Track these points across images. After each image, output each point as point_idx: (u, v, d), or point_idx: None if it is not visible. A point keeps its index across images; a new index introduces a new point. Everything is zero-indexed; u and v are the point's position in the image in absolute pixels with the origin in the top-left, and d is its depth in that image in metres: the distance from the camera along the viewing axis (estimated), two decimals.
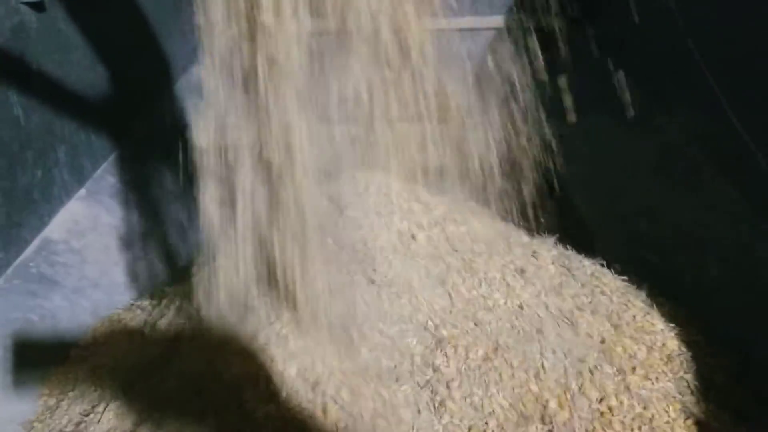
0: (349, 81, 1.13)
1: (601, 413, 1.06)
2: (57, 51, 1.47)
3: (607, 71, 1.94)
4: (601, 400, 1.08)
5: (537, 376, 1.11)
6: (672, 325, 1.23)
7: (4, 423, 1.16)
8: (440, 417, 1.06)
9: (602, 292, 1.30)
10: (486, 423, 1.04)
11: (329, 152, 1.24)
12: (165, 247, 1.62)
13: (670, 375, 1.14)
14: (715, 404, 1.09)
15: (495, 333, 1.18)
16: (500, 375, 1.11)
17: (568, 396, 1.09)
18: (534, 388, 1.09)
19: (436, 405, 1.07)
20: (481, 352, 1.14)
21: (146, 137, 1.80)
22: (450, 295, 1.24)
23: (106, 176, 1.64)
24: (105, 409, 1.13)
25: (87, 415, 1.13)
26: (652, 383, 1.11)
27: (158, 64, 1.93)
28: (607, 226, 1.58)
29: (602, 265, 1.39)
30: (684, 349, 1.18)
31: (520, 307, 1.23)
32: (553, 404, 1.07)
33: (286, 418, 1.04)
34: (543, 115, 2.16)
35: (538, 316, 1.22)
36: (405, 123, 1.29)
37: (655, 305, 1.28)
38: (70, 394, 1.21)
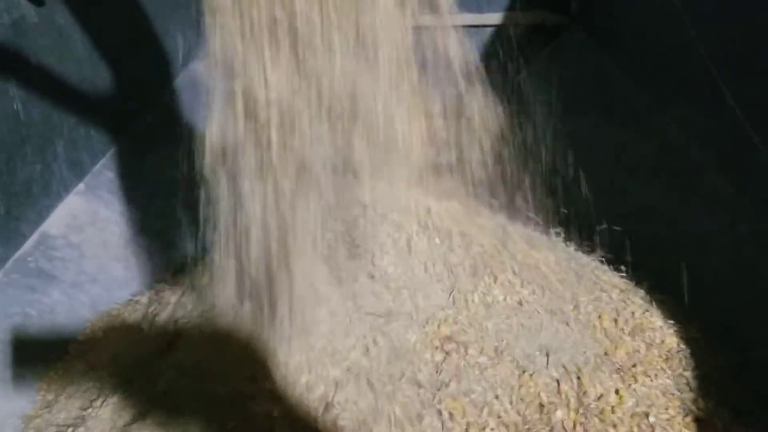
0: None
1: (600, 411, 1.06)
2: (56, 46, 1.46)
3: (606, 68, 1.94)
4: (599, 398, 1.08)
5: (535, 373, 1.11)
6: (671, 322, 1.23)
7: (3, 417, 1.16)
8: (439, 415, 1.05)
9: (601, 290, 1.30)
10: (486, 421, 1.04)
11: (330, 150, 1.24)
12: (164, 242, 1.61)
13: (669, 372, 1.14)
14: (714, 402, 1.09)
15: (494, 330, 1.18)
16: (499, 372, 1.11)
17: (567, 393, 1.09)
18: (532, 385, 1.09)
19: (435, 403, 1.07)
20: (480, 350, 1.14)
21: (146, 132, 1.80)
22: (450, 292, 1.24)
23: (105, 171, 1.63)
24: (103, 404, 1.13)
25: (85, 410, 1.13)
26: (651, 380, 1.12)
27: (158, 59, 1.93)
28: (606, 224, 1.59)
29: (602, 263, 1.39)
30: (683, 347, 1.18)
31: (520, 303, 1.23)
32: (551, 402, 1.08)
33: (285, 416, 1.04)
34: (542, 114, 2.16)
35: (538, 313, 1.22)
36: (404, 120, 1.29)
37: (654, 303, 1.28)
38: (69, 389, 1.21)
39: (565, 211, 1.75)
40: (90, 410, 1.13)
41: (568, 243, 1.46)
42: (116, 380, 1.19)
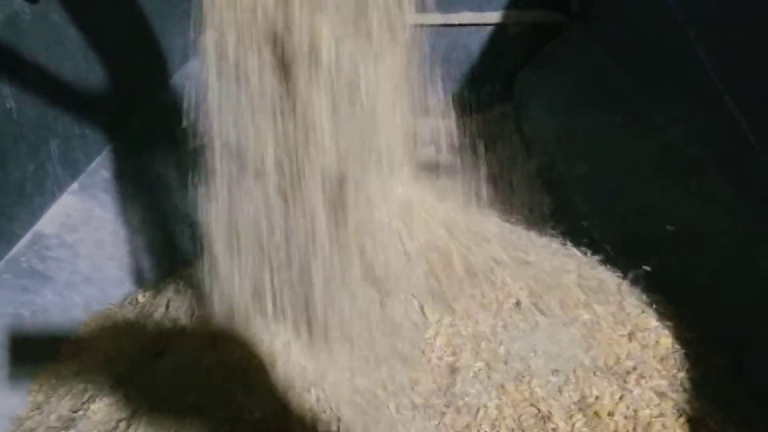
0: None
1: (595, 412, 1.06)
2: (51, 43, 1.45)
3: (606, 68, 1.93)
4: (595, 399, 1.08)
5: (531, 374, 1.11)
6: (667, 323, 1.23)
7: None
8: (433, 418, 1.05)
9: (598, 290, 1.29)
10: (479, 424, 1.04)
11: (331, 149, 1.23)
12: (159, 242, 1.61)
13: (664, 373, 1.13)
14: (709, 403, 1.08)
15: (490, 332, 1.17)
16: (493, 374, 1.11)
17: (562, 395, 1.08)
18: (527, 386, 1.09)
19: (429, 405, 1.06)
20: (475, 353, 1.14)
21: (141, 131, 1.79)
22: (447, 294, 1.23)
23: (99, 170, 1.62)
24: (95, 405, 1.12)
25: (76, 411, 1.12)
26: (646, 381, 1.11)
27: (154, 57, 1.92)
28: (604, 224, 1.58)
29: (598, 262, 1.38)
30: (678, 347, 1.18)
31: (516, 304, 1.23)
32: (546, 403, 1.07)
33: (280, 421, 1.03)
34: (542, 113, 2.16)
35: (533, 314, 1.21)
36: (402, 120, 1.28)
37: (650, 303, 1.28)
38: (61, 389, 1.20)
39: (563, 210, 1.75)
40: (82, 411, 1.13)
41: (565, 242, 1.45)
42: (109, 381, 1.18)
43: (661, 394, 1.09)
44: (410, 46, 1.22)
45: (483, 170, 1.46)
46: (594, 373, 1.11)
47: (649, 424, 1.04)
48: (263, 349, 1.14)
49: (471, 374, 1.10)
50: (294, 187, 1.12)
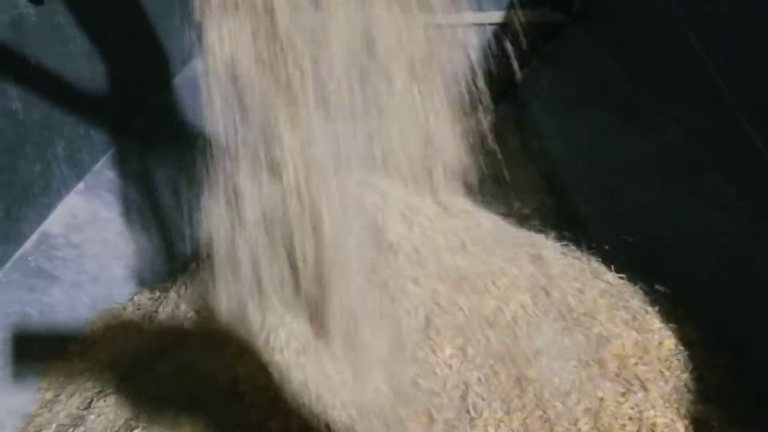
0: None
1: (600, 414, 1.07)
2: (56, 45, 1.46)
3: (607, 68, 1.93)
4: (599, 401, 1.08)
5: (534, 376, 1.11)
6: (669, 324, 1.23)
7: (4, 416, 1.16)
8: (438, 420, 1.06)
9: (600, 290, 1.30)
10: (485, 426, 1.05)
11: (333, 150, 1.23)
12: (164, 242, 1.62)
13: (667, 374, 1.14)
14: (712, 404, 1.09)
15: (494, 334, 1.18)
16: (499, 376, 1.11)
17: (567, 396, 1.09)
18: (530, 388, 1.09)
19: (434, 405, 1.07)
20: (479, 354, 1.14)
21: (145, 132, 1.79)
22: (450, 295, 1.24)
23: (104, 171, 1.63)
24: (103, 402, 1.13)
25: (85, 409, 1.13)
26: (650, 383, 1.12)
27: (158, 58, 1.93)
28: (604, 223, 1.58)
29: (600, 263, 1.39)
30: (681, 348, 1.18)
31: (521, 306, 1.23)
32: (551, 405, 1.07)
33: (283, 418, 1.04)
34: (543, 112, 2.16)
35: (536, 315, 1.21)
36: (406, 120, 1.29)
37: (652, 304, 1.28)
38: (68, 387, 1.21)
39: (563, 209, 1.76)
40: (90, 409, 1.13)
41: (566, 243, 1.46)
42: (116, 379, 1.19)
43: (665, 395, 1.10)
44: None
45: (483, 170, 1.47)
46: (598, 375, 1.12)
47: (654, 425, 1.05)
48: (267, 349, 1.14)
49: (476, 377, 1.11)
50: (299, 185, 1.13)
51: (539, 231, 1.49)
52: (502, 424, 1.05)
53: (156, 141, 1.76)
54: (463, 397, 1.08)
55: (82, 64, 1.56)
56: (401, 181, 1.37)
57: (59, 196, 1.47)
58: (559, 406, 1.07)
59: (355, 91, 1.12)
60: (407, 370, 1.12)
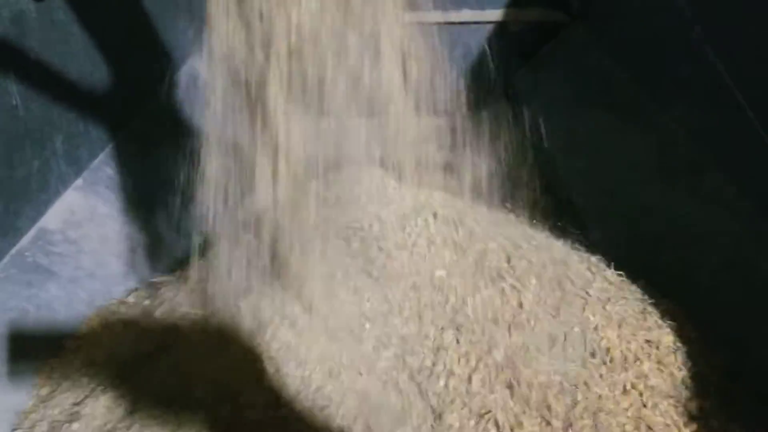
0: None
1: (598, 413, 1.06)
2: (56, 41, 1.46)
3: (607, 67, 1.93)
4: (597, 399, 1.08)
5: (531, 374, 1.11)
6: (667, 322, 1.23)
7: (0, 412, 1.16)
8: (438, 421, 1.05)
9: (599, 288, 1.30)
10: (485, 424, 1.04)
11: (327, 145, 1.24)
12: (162, 238, 1.61)
13: (666, 373, 1.13)
14: (710, 402, 1.09)
15: (489, 330, 1.17)
16: (495, 372, 1.11)
17: (563, 394, 1.09)
18: (527, 387, 1.09)
19: (435, 410, 1.06)
20: (476, 350, 1.13)
21: (144, 128, 1.79)
22: (446, 294, 1.23)
23: (103, 167, 1.63)
24: (98, 399, 1.13)
25: (80, 405, 1.13)
26: (648, 380, 1.11)
27: (158, 54, 1.93)
28: (604, 223, 1.58)
29: (599, 261, 1.38)
30: (679, 346, 1.18)
31: (519, 305, 1.23)
32: (546, 402, 1.07)
33: (281, 420, 1.03)
34: (542, 111, 2.16)
35: (534, 313, 1.21)
36: (403, 116, 1.28)
37: (651, 302, 1.28)
38: (65, 384, 1.21)
39: (563, 209, 1.75)
40: (85, 406, 1.13)
41: (565, 241, 1.45)
42: (112, 376, 1.19)
43: (664, 394, 1.09)
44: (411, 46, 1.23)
45: (482, 169, 1.46)
46: (596, 373, 1.12)
47: (652, 424, 1.05)
48: (264, 347, 1.14)
49: (476, 369, 1.10)
50: (295, 183, 1.13)
51: (537, 228, 1.49)
52: (498, 422, 1.04)
53: (155, 138, 1.76)
54: (461, 398, 1.08)
55: (81, 60, 1.56)
56: (398, 178, 1.37)
57: (57, 192, 1.47)
58: (557, 404, 1.07)
59: (349, 88, 1.12)
60: (401, 360, 1.11)
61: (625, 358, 1.15)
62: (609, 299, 1.27)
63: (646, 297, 1.29)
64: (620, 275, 1.34)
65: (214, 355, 1.15)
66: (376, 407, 1.05)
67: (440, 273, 1.24)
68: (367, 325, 1.17)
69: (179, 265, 1.52)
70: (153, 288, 1.46)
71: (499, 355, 1.13)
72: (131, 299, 1.46)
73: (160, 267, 1.58)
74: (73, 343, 1.33)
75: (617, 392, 1.09)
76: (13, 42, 1.33)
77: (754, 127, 1.23)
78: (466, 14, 2.31)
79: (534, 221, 1.57)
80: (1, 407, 1.16)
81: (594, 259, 1.39)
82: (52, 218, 1.43)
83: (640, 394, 1.09)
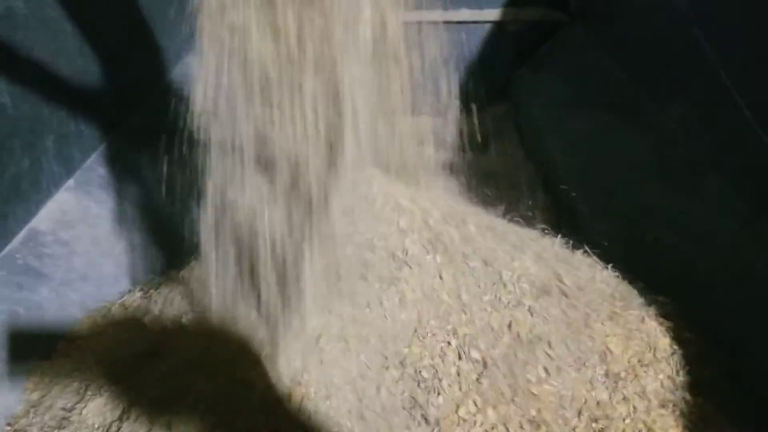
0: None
1: (595, 414, 1.05)
2: (46, 38, 1.44)
3: (605, 66, 1.93)
4: (595, 402, 1.07)
5: (528, 376, 1.10)
6: (666, 323, 1.22)
7: None
8: (437, 426, 1.04)
9: (596, 290, 1.29)
10: (479, 428, 1.03)
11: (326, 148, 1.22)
12: (155, 239, 1.60)
13: (664, 374, 1.13)
14: (708, 403, 1.08)
15: (488, 334, 1.16)
16: (492, 377, 1.09)
17: (560, 396, 1.08)
18: (524, 388, 1.08)
19: (433, 409, 1.05)
20: (476, 354, 1.13)
21: (137, 128, 1.78)
22: (446, 297, 1.22)
23: (95, 167, 1.61)
24: (89, 403, 1.11)
25: (71, 410, 1.12)
26: (646, 382, 1.11)
27: (151, 53, 1.91)
28: (602, 222, 1.58)
29: (598, 261, 1.38)
30: (677, 348, 1.18)
31: (518, 304, 1.22)
32: (545, 405, 1.06)
33: (277, 420, 1.02)
34: (541, 111, 2.15)
35: (531, 313, 1.20)
36: (398, 118, 1.28)
37: (649, 303, 1.27)
38: (55, 388, 1.20)
39: (561, 208, 1.75)
40: (76, 410, 1.12)
41: (564, 241, 1.45)
42: (104, 379, 1.17)
43: (661, 396, 1.09)
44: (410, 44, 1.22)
45: (481, 169, 1.46)
46: (594, 376, 1.11)
47: (651, 426, 1.04)
48: (259, 348, 1.13)
49: (474, 375, 1.09)
50: (292, 181, 1.11)
51: (535, 228, 1.48)
52: (495, 424, 1.03)
53: (147, 137, 1.73)
54: (454, 396, 1.07)
55: (72, 58, 1.54)
56: (397, 179, 1.36)
57: (48, 192, 1.45)
58: (555, 406, 1.06)
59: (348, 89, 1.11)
60: (410, 368, 1.10)
61: (623, 360, 1.14)
62: (607, 300, 1.26)
63: (644, 298, 1.29)
64: (618, 276, 1.34)
65: (208, 358, 1.14)
66: (376, 415, 1.04)
67: (438, 280, 1.23)
68: (365, 330, 1.16)
69: (172, 266, 1.50)
70: (146, 290, 1.45)
71: (494, 356, 1.12)
72: (124, 301, 1.44)
73: (153, 269, 1.56)
74: (64, 346, 1.31)
75: (615, 394, 1.09)
76: (3, 39, 1.31)
77: (752, 127, 1.23)
78: (465, 14, 2.30)
79: (533, 221, 1.56)
80: None
81: (593, 259, 1.38)
82: (44, 219, 1.42)
83: (639, 396, 1.08)
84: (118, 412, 1.10)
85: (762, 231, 1.18)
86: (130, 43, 1.82)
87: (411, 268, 1.24)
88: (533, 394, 1.08)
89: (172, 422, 1.05)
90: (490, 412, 1.05)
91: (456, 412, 1.05)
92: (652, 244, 1.43)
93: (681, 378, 1.12)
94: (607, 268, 1.36)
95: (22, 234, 1.36)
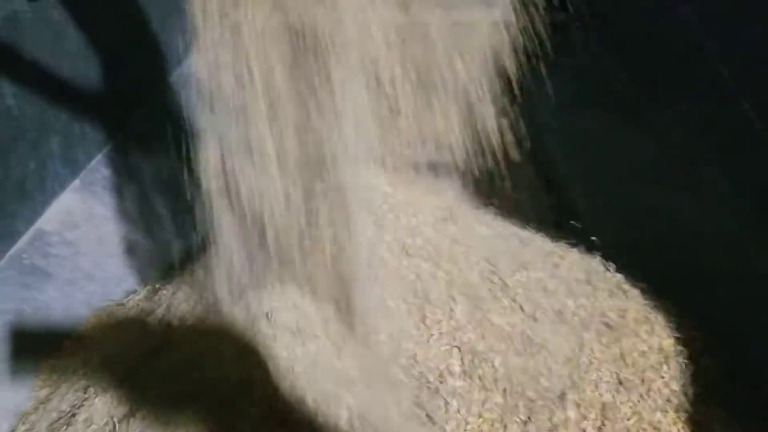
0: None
1: (599, 414, 1.06)
2: (51, 41, 1.45)
3: (606, 66, 1.93)
4: (599, 401, 1.08)
5: (534, 377, 1.10)
6: (668, 322, 1.23)
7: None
8: (439, 423, 1.05)
9: (598, 289, 1.30)
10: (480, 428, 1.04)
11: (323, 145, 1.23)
12: (159, 239, 1.61)
13: (667, 374, 1.14)
14: (710, 402, 1.09)
15: (488, 332, 1.17)
16: (497, 377, 1.10)
17: (563, 396, 1.08)
18: (530, 391, 1.09)
19: (436, 410, 1.06)
20: (478, 354, 1.13)
21: (141, 129, 1.79)
22: (447, 296, 1.23)
23: (100, 168, 1.62)
24: (95, 401, 1.13)
25: (79, 407, 1.13)
26: (647, 381, 1.12)
27: (154, 54, 1.92)
28: (605, 222, 1.58)
29: (599, 261, 1.38)
30: (679, 347, 1.18)
31: (518, 304, 1.23)
32: (547, 404, 1.07)
33: (281, 418, 1.03)
34: (541, 111, 2.16)
35: (534, 314, 1.21)
36: (397, 115, 1.28)
37: (650, 302, 1.28)
38: (63, 385, 1.21)
39: (562, 209, 1.75)
40: (84, 407, 1.13)
41: (564, 242, 1.45)
42: (110, 377, 1.19)
43: (666, 395, 1.10)
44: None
45: (482, 168, 1.46)
46: (597, 375, 1.12)
47: (653, 425, 1.05)
48: (265, 346, 1.14)
49: (470, 375, 1.10)
50: (297, 181, 1.12)
51: (537, 230, 1.49)
52: (498, 426, 1.04)
53: (152, 138, 1.75)
54: (465, 396, 1.08)
55: (77, 61, 1.55)
56: (400, 178, 1.37)
57: (54, 193, 1.47)
58: (558, 406, 1.07)
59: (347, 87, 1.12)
60: (414, 367, 1.11)
61: (626, 359, 1.15)
62: (608, 300, 1.27)
63: (645, 297, 1.29)
64: (620, 275, 1.34)
65: (213, 356, 1.15)
66: (379, 418, 1.05)
67: (439, 282, 1.24)
68: (372, 331, 1.16)
69: (177, 266, 1.51)
70: (151, 289, 1.46)
71: (496, 357, 1.13)
72: (129, 301, 1.46)
73: (158, 268, 1.57)
74: (71, 344, 1.33)
75: (618, 393, 1.09)
76: (7, 42, 1.32)
77: (755, 126, 1.23)
78: (465, 14, 2.30)
79: (534, 221, 1.56)
80: (0, 408, 1.16)
81: (593, 259, 1.39)
82: (49, 220, 1.43)
83: (642, 396, 1.09)
84: (124, 410, 1.11)
85: (763, 230, 1.18)
86: (133, 46, 1.83)
87: (407, 267, 1.25)
88: (535, 391, 1.08)
89: (177, 420, 1.05)
90: (491, 406, 1.06)
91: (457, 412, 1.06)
92: (653, 243, 1.43)
93: (685, 377, 1.13)
94: (608, 268, 1.36)
95: (28, 234, 1.37)
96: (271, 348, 1.12)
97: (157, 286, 1.46)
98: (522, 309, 1.22)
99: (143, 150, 1.74)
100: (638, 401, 1.08)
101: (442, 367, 1.12)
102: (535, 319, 1.20)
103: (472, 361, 1.12)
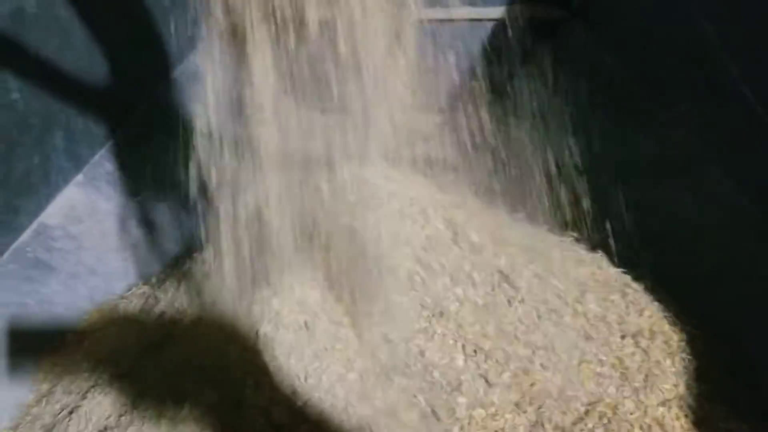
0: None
1: (602, 411, 1.06)
2: (56, 36, 1.46)
3: (607, 64, 1.93)
4: (601, 398, 1.08)
5: (535, 374, 1.11)
6: (671, 320, 1.23)
7: (0, 406, 1.17)
8: (446, 421, 1.05)
9: (601, 286, 1.30)
10: (485, 425, 1.04)
11: (324, 142, 1.23)
12: (163, 233, 1.62)
13: (670, 371, 1.14)
14: (711, 398, 1.09)
15: (494, 329, 1.17)
16: (498, 373, 1.11)
17: (567, 394, 1.08)
18: (531, 387, 1.09)
19: (444, 408, 1.06)
20: (478, 348, 1.14)
21: (145, 124, 1.79)
22: (450, 292, 1.23)
23: (103, 162, 1.63)
24: (98, 395, 1.13)
25: (81, 401, 1.13)
26: (651, 379, 1.11)
27: (158, 50, 1.92)
28: (606, 220, 1.58)
29: (601, 259, 1.38)
30: (682, 344, 1.18)
31: (521, 301, 1.23)
32: (550, 403, 1.07)
33: (284, 413, 1.03)
34: (542, 110, 2.16)
35: (536, 310, 1.21)
36: (405, 113, 1.28)
37: (652, 298, 1.28)
38: (65, 379, 1.21)
39: (564, 206, 1.75)
40: (86, 401, 1.13)
41: (566, 240, 1.45)
42: (112, 372, 1.19)
43: (669, 391, 1.10)
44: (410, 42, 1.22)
45: (484, 167, 1.46)
46: (600, 373, 1.12)
47: (656, 421, 1.05)
48: (267, 341, 1.14)
49: (477, 373, 1.10)
50: (299, 174, 1.13)
51: (537, 226, 1.49)
52: (495, 421, 1.04)
53: (155, 133, 1.75)
54: (466, 391, 1.08)
55: (81, 56, 1.56)
56: (403, 174, 1.37)
57: (58, 187, 1.47)
58: (561, 404, 1.07)
59: (347, 85, 1.12)
60: (419, 365, 1.11)
61: (630, 357, 1.15)
62: (612, 297, 1.27)
63: (648, 295, 1.29)
64: (624, 272, 1.34)
65: (216, 351, 1.15)
66: (388, 418, 1.05)
67: (444, 279, 1.24)
68: (376, 327, 1.16)
69: (180, 260, 1.51)
70: (154, 284, 1.46)
71: (499, 352, 1.13)
72: (132, 295, 1.46)
73: (161, 263, 1.58)
74: (73, 338, 1.33)
75: (621, 391, 1.09)
76: (13, 37, 1.32)
77: (760, 124, 1.22)
78: (466, 11, 2.31)
79: (535, 220, 1.57)
80: (2, 402, 1.17)
81: (595, 258, 1.39)
82: (53, 214, 1.43)
83: (645, 393, 1.09)
84: (126, 404, 1.11)
85: (765, 227, 1.18)
86: (137, 41, 1.84)
87: (411, 261, 1.25)
88: (537, 389, 1.08)
89: (181, 413, 1.06)
90: (495, 404, 1.06)
91: (467, 411, 1.06)
92: (655, 242, 1.43)
93: (688, 374, 1.13)
94: (610, 266, 1.36)
95: (32, 228, 1.38)
96: (274, 346, 1.12)
97: (159, 280, 1.46)
98: (527, 306, 1.22)
99: (146, 145, 1.74)
100: (642, 397, 1.08)
101: (448, 363, 1.12)
102: (540, 316, 1.20)
103: (478, 358, 1.12)
